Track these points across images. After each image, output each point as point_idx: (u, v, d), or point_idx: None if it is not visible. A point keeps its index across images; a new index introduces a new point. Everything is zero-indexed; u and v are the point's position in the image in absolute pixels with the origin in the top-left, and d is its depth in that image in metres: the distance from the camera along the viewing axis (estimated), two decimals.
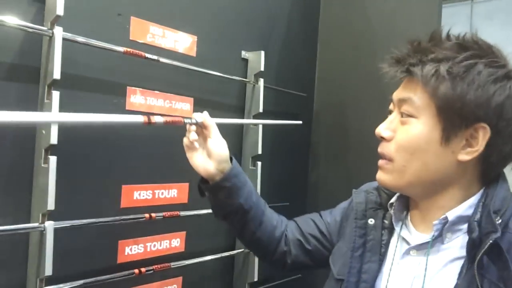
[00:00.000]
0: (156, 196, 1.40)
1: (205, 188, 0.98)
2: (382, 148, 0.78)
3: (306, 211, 2.10)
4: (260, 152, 1.63)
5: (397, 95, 0.78)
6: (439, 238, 0.76)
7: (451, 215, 0.74)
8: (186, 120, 0.94)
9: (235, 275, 1.71)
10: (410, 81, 0.76)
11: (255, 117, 1.67)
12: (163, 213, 1.36)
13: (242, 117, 1.68)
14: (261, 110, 1.65)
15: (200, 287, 1.58)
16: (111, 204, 1.29)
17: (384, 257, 0.83)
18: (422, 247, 0.77)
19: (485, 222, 0.69)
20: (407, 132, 0.74)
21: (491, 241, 0.66)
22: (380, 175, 0.80)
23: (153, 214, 1.33)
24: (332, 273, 0.91)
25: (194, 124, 0.95)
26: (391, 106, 0.80)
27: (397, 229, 0.83)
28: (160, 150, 1.42)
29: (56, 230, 1.09)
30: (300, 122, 1.06)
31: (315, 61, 2.07)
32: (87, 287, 1.17)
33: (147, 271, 1.32)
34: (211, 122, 0.95)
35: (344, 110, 1.93)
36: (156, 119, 0.88)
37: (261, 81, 1.67)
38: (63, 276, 1.14)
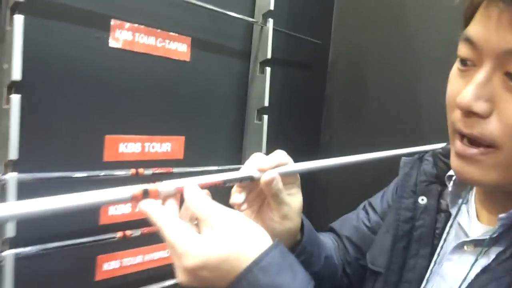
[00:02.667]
0: (146, 150, 1.24)
1: None
2: (474, 128, 0.48)
3: (316, 174, 1.97)
4: (266, 104, 1.48)
5: (499, 43, 0.45)
6: (503, 237, 0.53)
7: None
8: (228, 177, 0.53)
9: None
10: None
11: (262, 64, 1.49)
12: (153, 169, 1.20)
13: (248, 62, 1.50)
14: (269, 56, 1.48)
15: None
16: (92, 156, 1.12)
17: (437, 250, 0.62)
18: (481, 244, 0.55)
19: None
20: None
21: None
22: (471, 171, 0.50)
23: (141, 170, 1.17)
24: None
25: (245, 180, 0.55)
26: (464, 52, 0.50)
27: (452, 211, 0.62)
28: (153, 95, 1.25)
29: (20, 184, 0.93)
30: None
31: (332, 4, 1.89)
32: (57, 251, 1.02)
33: (133, 234, 1.17)
34: (276, 182, 0.56)
35: (363, 60, 1.77)
36: (161, 188, 0.47)
37: (270, 22, 1.48)
38: (31, 237, 0.99)
